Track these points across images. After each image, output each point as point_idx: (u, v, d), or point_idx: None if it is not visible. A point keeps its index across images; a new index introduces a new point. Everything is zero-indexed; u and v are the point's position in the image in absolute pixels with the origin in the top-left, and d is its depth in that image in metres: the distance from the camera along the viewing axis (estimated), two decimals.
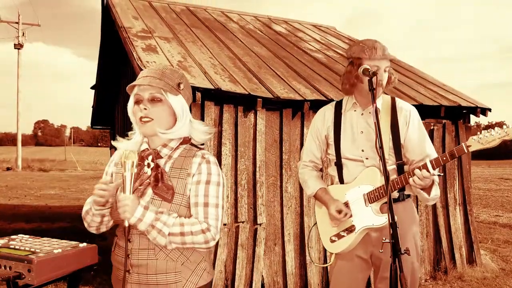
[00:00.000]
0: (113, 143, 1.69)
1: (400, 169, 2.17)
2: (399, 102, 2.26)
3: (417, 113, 2.26)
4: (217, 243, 3.82)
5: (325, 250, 4.21)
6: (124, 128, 6.60)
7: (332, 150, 2.29)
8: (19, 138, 29.72)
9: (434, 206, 4.85)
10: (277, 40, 6.26)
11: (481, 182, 18.49)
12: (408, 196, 2.23)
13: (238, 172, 3.99)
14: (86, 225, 1.65)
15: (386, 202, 1.89)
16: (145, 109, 1.55)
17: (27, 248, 1.62)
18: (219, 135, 3.96)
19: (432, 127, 4.85)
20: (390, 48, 2.21)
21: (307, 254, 4.16)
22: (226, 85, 3.94)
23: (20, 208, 10.55)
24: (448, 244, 4.87)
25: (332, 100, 4.02)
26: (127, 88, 1.62)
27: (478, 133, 1.91)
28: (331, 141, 2.29)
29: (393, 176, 2.13)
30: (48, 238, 1.81)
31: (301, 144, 4.22)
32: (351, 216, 2.18)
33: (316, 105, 3.91)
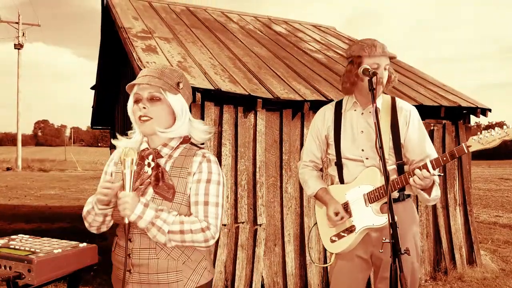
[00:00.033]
0: (113, 141, 1.69)
1: (400, 169, 2.17)
2: (399, 102, 2.26)
3: (417, 113, 2.26)
4: (217, 244, 3.82)
5: (325, 251, 4.21)
6: (124, 128, 6.60)
7: (332, 150, 2.29)
8: (19, 138, 29.73)
9: (434, 207, 4.85)
10: (277, 41, 6.26)
11: (481, 182, 18.49)
12: (408, 196, 2.22)
13: (238, 172, 3.99)
14: (87, 225, 1.65)
15: (386, 202, 1.89)
16: (144, 108, 1.56)
17: (27, 248, 1.62)
18: (219, 136, 3.96)
19: (432, 128, 4.85)
20: (390, 48, 2.21)
21: (307, 254, 4.16)
22: (226, 86, 3.94)
23: (20, 208, 10.55)
24: (448, 244, 4.87)
25: (332, 100, 4.02)
26: (126, 87, 1.62)
27: (478, 133, 1.91)
28: (331, 141, 2.29)
29: (393, 176, 2.13)
30: (48, 238, 1.81)
31: (301, 145, 4.22)
32: (348, 218, 2.18)
33: (316, 106, 3.91)
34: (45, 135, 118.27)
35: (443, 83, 5.59)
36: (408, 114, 2.20)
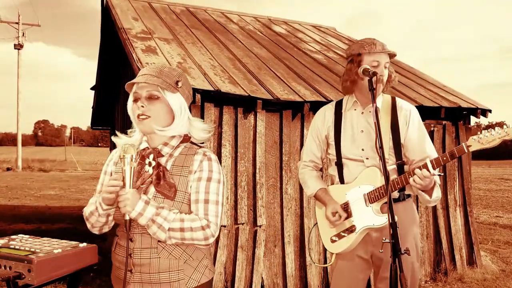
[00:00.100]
0: (113, 138, 1.69)
1: (400, 169, 2.17)
2: (399, 102, 2.26)
3: (417, 112, 2.25)
4: (217, 245, 3.81)
5: (325, 252, 4.21)
6: (124, 128, 6.57)
7: (332, 150, 2.29)
8: (19, 138, 29.73)
9: (434, 208, 4.84)
10: (277, 41, 6.26)
11: (481, 183, 18.48)
12: (409, 196, 2.22)
13: (238, 173, 3.98)
14: (89, 226, 1.65)
15: (386, 202, 1.89)
16: (142, 106, 1.56)
17: (27, 248, 1.62)
18: (219, 137, 3.95)
19: (432, 128, 4.85)
20: (390, 48, 2.21)
21: (307, 255, 4.15)
22: (226, 87, 3.93)
23: (20, 209, 10.55)
24: (448, 245, 4.87)
25: (331, 101, 4.02)
26: (125, 86, 1.63)
27: (478, 133, 1.91)
28: (332, 140, 2.29)
29: (393, 176, 2.13)
30: (48, 238, 1.80)
31: (301, 146, 4.22)
32: (346, 218, 2.18)
33: (316, 107, 3.89)
34: (45, 135, 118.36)
35: (443, 84, 5.59)
36: (408, 114, 2.20)
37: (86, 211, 1.64)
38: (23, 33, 29.50)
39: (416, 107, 2.32)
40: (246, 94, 3.91)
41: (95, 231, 1.66)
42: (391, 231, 1.72)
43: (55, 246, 1.67)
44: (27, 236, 1.84)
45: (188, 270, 1.56)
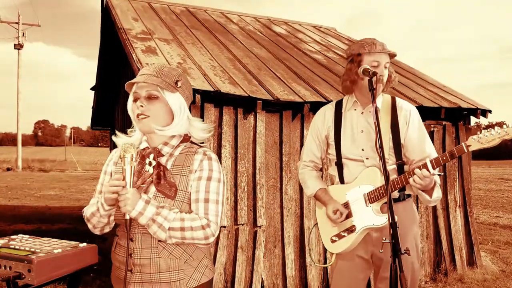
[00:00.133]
0: (113, 138, 1.70)
1: (400, 169, 2.17)
2: (399, 102, 2.26)
3: (417, 112, 2.26)
4: (216, 246, 3.81)
5: (325, 252, 4.21)
6: (124, 129, 6.58)
7: (332, 150, 2.29)
8: (19, 138, 29.73)
9: (434, 208, 4.84)
10: (277, 42, 6.25)
11: (481, 183, 18.48)
12: (409, 196, 2.22)
13: (238, 174, 3.98)
14: (90, 226, 1.65)
15: (386, 202, 1.89)
16: (141, 106, 1.57)
17: (27, 248, 1.62)
18: (219, 137, 3.95)
19: (432, 129, 4.85)
20: (390, 48, 2.21)
21: (307, 255, 4.15)
22: (226, 87, 3.93)
23: (20, 209, 10.55)
24: (448, 246, 4.87)
25: (332, 101, 4.02)
26: (125, 85, 1.63)
27: (478, 132, 1.91)
28: (332, 140, 2.29)
29: (393, 176, 2.13)
30: (48, 238, 1.81)
31: (301, 146, 4.22)
32: (347, 216, 2.18)
33: (316, 107, 3.88)
34: (45, 135, 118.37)
35: (443, 84, 5.59)
36: (408, 114, 2.20)
37: (87, 212, 1.63)
38: (23, 33, 29.52)
39: (416, 107, 2.32)
40: (246, 95, 3.91)
41: (97, 231, 1.67)
42: (391, 231, 1.72)
43: (55, 246, 1.67)
44: (27, 236, 1.84)
45: (189, 270, 1.56)
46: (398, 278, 1.69)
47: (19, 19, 29.46)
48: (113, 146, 7.51)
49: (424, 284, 4.62)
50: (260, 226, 4.01)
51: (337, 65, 5.60)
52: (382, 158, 1.85)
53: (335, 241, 2.24)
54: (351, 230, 2.17)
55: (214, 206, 1.55)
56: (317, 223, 2.39)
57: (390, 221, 1.73)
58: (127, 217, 1.47)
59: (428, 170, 1.95)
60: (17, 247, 1.63)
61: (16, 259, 1.52)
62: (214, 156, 1.62)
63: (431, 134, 4.80)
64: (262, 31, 6.73)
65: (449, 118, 4.93)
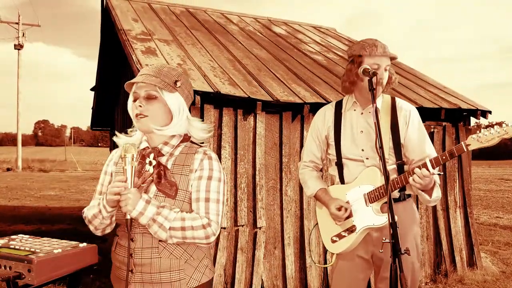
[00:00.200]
0: (114, 138, 1.71)
1: (400, 169, 2.18)
2: (399, 102, 2.26)
3: (417, 112, 2.26)
4: (216, 247, 3.81)
5: (325, 253, 4.20)
6: (124, 129, 6.58)
7: (332, 150, 2.29)
8: (19, 138, 29.74)
9: (434, 209, 4.84)
10: (277, 42, 6.25)
11: (481, 183, 18.48)
12: (409, 196, 2.23)
13: (238, 175, 3.98)
14: (92, 228, 1.65)
15: (386, 202, 1.89)
16: (140, 106, 1.57)
17: (27, 248, 1.62)
18: (219, 139, 3.95)
19: (432, 130, 4.84)
20: (390, 48, 2.22)
21: (307, 256, 4.15)
22: (226, 88, 3.93)
23: (20, 209, 10.55)
24: (448, 247, 4.86)
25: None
26: (125, 85, 1.64)
27: (478, 131, 1.91)
28: (332, 141, 2.29)
29: (393, 176, 2.13)
30: (48, 238, 1.81)
31: (301, 147, 4.21)
32: (348, 216, 2.18)
33: (316, 108, 3.87)
34: (45, 135, 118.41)
35: (443, 85, 5.58)
36: (408, 114, 2.20)
37: (87, 214, 1.63)
38: (23, 33, 29.54)
39: (416, 108, 2.32)
40: (246, 96, 3.90)
41: (99, 233, 1.67)
42: (391, 231, 1.72)
43: (55, 246, 1.67)
44: (27, 236, 1.84)
45: (189, 269, 1.56)
46: (398, 278, 1.69)
47: (19, 19, 29.47)
48: (113, 146, 7.51)
49: (424, 285, 4.62)
50: (260, 227, 4.01)
51: (337, 66, 5.60)
52: (382, 158, 1.85)
53: (335, 241, 2.24)
54: (351, 230, 2.17)
55: (215, 205, 1.56)
56: (317, 224, 2.39)
57: (390, 221, 1.73)
58: (128, 217, 1.47)
59: (427, 169, 1.95)
60: (17, 247, 1.64)
61: (16, 259, 1.52)
62: (214, 156, 1.63)
63: (431, 135, 4.80)
64: (262, 31, 6.73)
65: (449, 119, 4.93)
